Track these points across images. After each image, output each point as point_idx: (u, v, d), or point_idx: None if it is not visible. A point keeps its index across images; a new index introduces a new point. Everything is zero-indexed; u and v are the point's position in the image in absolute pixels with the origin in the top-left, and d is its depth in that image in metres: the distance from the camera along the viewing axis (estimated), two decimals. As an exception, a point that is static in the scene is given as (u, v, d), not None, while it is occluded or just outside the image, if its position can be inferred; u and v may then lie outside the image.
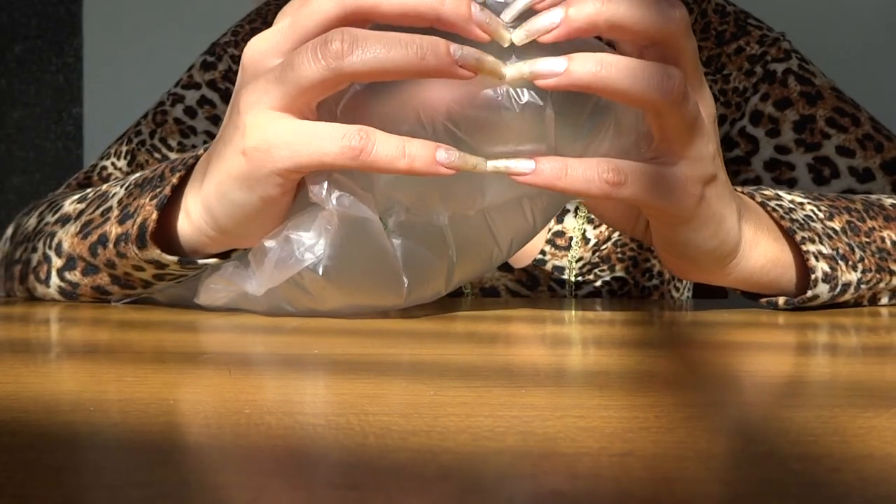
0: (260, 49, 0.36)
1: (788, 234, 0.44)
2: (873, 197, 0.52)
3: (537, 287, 0.62)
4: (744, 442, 0.18)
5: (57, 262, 0.48)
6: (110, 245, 0.44)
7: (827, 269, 0.44)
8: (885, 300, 0.48)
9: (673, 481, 0.15)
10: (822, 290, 0.44)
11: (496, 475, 0.15)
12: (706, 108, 0.38)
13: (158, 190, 0.42)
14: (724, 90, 0.68)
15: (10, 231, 0.58)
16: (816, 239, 0.44)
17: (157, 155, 0.67)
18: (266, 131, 0.35)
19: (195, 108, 0.70)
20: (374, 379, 0.25)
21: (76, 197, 0.52)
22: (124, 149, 0.68)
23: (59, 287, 0.49)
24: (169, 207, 0.42)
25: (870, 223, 0.48)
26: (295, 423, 0.19)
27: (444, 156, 0.34)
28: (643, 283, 0.64)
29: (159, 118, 0.69)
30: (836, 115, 0.65)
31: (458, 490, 0.14)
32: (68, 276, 0.48)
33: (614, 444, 0.17)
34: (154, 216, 0.41)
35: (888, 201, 0.52)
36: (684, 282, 0.68)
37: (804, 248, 0.43)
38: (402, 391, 0.23)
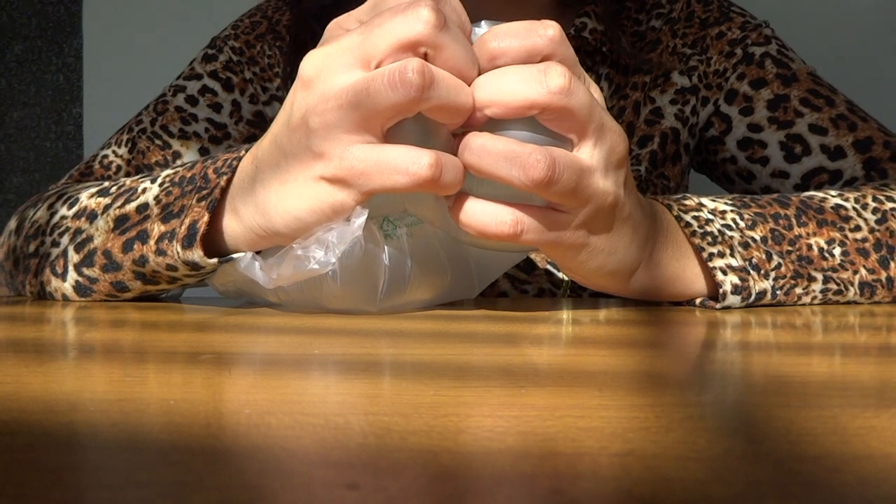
0: (327, 65, 0.37)
1: (697, 251, 0.46)
2: (817, 197, 0.51)
3: (534, 271, 0.62)
4: (744, 442, 0.18)
5: (74, 258, 0.48)
6: (151, 242, 0.45)
7: (737, 280, 0.45)
8: (809, 302, 0.48)
9: (673, 481, 0.15)
10: (734, 300, 0.45)
11: (496, 475, 0.15)
12: (599, 95, 0.39)
13: (205, 192, 0.43)
14: (706, 73, 0.69)
15: (13, 224, 0.58)
16: (727, 252, 0.45)
17: (157, 142, 0.68)
18: (343, 161, 0.37)
19: (196, 97, 0.70)
20: (374, 379, 0.25)
21: (94, 190, 0.52)
22: (125, 137, 0.69)
23: (76, 282, 0.49)
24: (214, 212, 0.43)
25: (797, 230, 0.48)
26: (295, 423, 0.19)
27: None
28: None
29: (160, 107, 0.70)
30: (811, 96, 0.66)
31: (458, 490, 0.14)
32: (86, 271, 0.48)
33: (614, 444, 0.17)
34: (205, 218, 0.42)
35: (832, 202, 0.51)
36: None
37: (711, 264, 0.45)
38: (402, 391, 0.23)
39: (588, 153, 0.38)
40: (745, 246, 0.46)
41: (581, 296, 0.62)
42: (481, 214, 0.37)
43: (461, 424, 0.19)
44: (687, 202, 0.48)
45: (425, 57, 0.36)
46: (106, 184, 0.53)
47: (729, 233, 0.46)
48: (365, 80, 0.35)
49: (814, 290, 0.47)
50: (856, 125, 0.64)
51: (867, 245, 0.49)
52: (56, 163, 1.53)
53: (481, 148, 0.36)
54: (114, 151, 0.68)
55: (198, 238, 0.42)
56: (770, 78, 0.67)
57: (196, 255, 0.42)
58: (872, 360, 0.30)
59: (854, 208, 0.51)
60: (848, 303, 0.48)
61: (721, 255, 0.45)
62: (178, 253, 0.43)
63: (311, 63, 0.37)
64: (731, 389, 0.25)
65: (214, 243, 0.44)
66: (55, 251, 0.50)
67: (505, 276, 0.63)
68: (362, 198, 0.37)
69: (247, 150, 0.43)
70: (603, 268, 0.42)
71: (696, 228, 0.46)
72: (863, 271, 0.48)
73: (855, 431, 0.18)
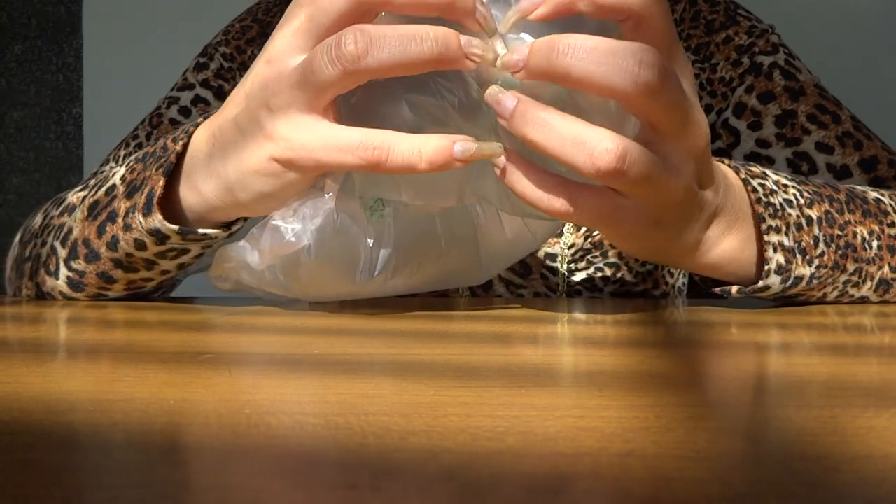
0: (281, 48, 0.37)
1: (758, 220, 0.44)
2: (858, 189, 0.52)
3: (530, 275, 0.62)
4: (744, 442, 0.18)
5: (62, 253, 0.49)
6: (119, 220, 0.45)
7: (782, 261, 0.44)
8: (831, 296, 0.48)
9: (673, 481, 0.15)
10: (774, 281, 0.44)
11: (496, 475, 0.15)
12: (688, 83, 0.37)
13: (163, 160, 0.43)
14: (711, 80, 0.68)
15: (18, 236, 0.59)
16: (783, 228, 0.44)
17: None
18: (293, 140, 0.37)
19: (189, 108, 0.70)
20: (374, 379, 0.25)
21: (78, 188, 0.53)
22: (122, 153, 0.69)
23: (68, 277, 0.49)
24: (173, 179, 0.43)
25: (847, 216, 0.48)
26: (295, 423, 0.19)
27: (460, 149, 0.35)
28: (636, 268, 0.64)
29: (155, 121, 0.70)
30: (818, 111, 0.66)
31: (458, 490, 0.14)
32: (73, 264, 0.48)
33: (614, 444, 0.17)
34: (161, 182, 0.42)
35: (872, 195, 0.51)
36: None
37: (766, 238, 0.44)
38: (402, 391, 0.23)
39: (666, 148, 0.36)
40: (799, 227, 0.45)
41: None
42: (537, 186, 0.35)
43: (461, 424, 0.19)
44: (752, 168, 0.46)
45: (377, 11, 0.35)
46: (91, 181, 0.53)
47: (788, 209, 0.45)
48: (309, 57, 0.35)
49: (839, 283, 0.47)
50: (861, 143, 0.64)
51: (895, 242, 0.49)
52: (56, 163, 1.53)
53: (547, 124, 0.33)
54: (111, 168, 0.69)
55: (154, 202, 0.42)
56: (778, 91, 0.67)
57: (156, 220, 0.42)
58: (872, 361, 0.30)
59: (891, 204, 0.51)
60: (860, 299, 0.48)
61: (777, 230, 0.44)
62: (140, 223, 0.43)
63: (272, 42, 0.38)
64: (730, 389, 0.25)
65: (176, 211, 0.44)
66: (44, 250, 0.50)
67: (499, 280, 0.63)
68: (313, 175, 0.38)
69: (205, 118, 0.44)
70: (658, 250, 0.41)
71: (762, 195, 0.44)
72: (886, 268, 0.48)
73: (855, 431, 0.18)
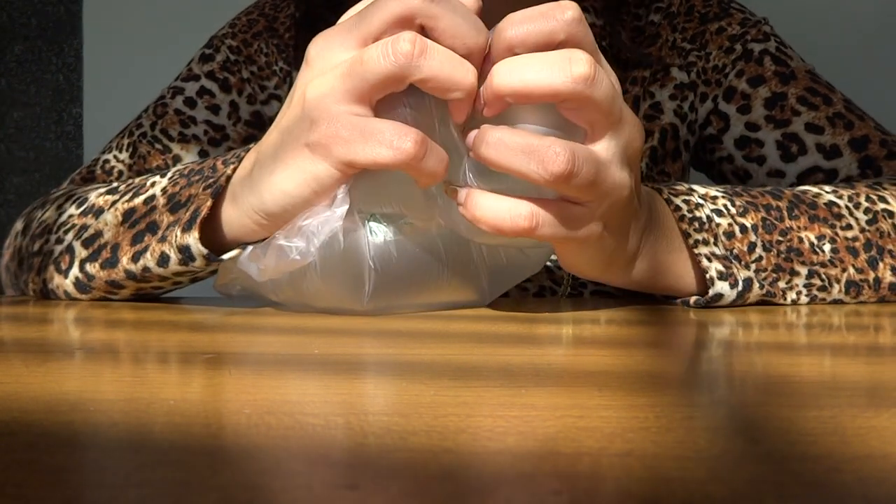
0: (327, 45, 0.38)
1: (684, 236, 0.46)
2: (812, 191, 0.51)
3: None
4: (744, 442, 0.18)
5: (82, 253, 0.48)
6: (159, 232, 0.45)
7: (721, 268, 0.45)
8: (795, 298, 0.47)
9: (673, 481, 0.15)
10: (723, 287, 0.45)
11: (496, 475, 0.15)
12: (616, 84, 0.39)
13: (212, 181, 0.43)
14: (706, 68, 0.69)
15: (20, 226, 0.58)
16: (712, 240, 0.45)
17: (157, 146, 0.68)
18: (329, 127, 0.37)
19: (195, 99, 0.70)
20: (374, 379, 0.25)
21: (103, 190, 0.52)
22: (126, 141, 0.69)
23: (76, 278, 0.49)
24: (217, 201, 0.43)
25: (789, 222, 0.48)
26: (295, 423, 0.19)
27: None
28: None
29: (160, 110, 0.70)
30: (808, 94, 0.66)
31: (458, 490, 0.14)
32: (88, 267, 0.48)
33: (614, 444, 0.17)
34: (208, 203, 0.42)
35: (825, 199, 0.51)
36: None
37: (696, 250, 0.45)
38: (401, 391, 0.23)
39: (605, 145, 0.37)
40: (730, 236, 0.46)
41: (582, 294, 0.62)
42: (495, 209, 0.37)
43: (461, 424, 0.19)
44: (677, 187, 0.48)
45: (423, 30, 0.36)
46: (115, 184, 0.53)
47: (717, 219, 0.46)
48: (361, 51, 0.36)
49: (797, 285, 0.47)
50: (852, 123, 0.64)
51: (857, 244, 0.49)
52: (56, 163, 1.53)
53: (499, 142, 0.35)
54: (115, 156, 0.68)
55: (197, 221, 0.42)
56: (768, 75, 0.67)
57: (191, 238, 0.42)
58: (872, 361, 0.30)
59: (847, 206, 0.50)
60: (833, 301, 0.48)
61: (706, 242, 0.45)
62: (176, 237, 0.43)
63: (314, 45, 0.38)
64: (730, 389, 0.25)
65: (215, 234, 0.44)
66: (59, 248, 0.50)
67: None
68: (343, 168, 0.37)
69: (255, 145, 0.44)
70: (605, 262, 0.42)
71: (685, 213, 0.46)
72: (851, 270, 0.48)
73: (855, 431, 0.18)
